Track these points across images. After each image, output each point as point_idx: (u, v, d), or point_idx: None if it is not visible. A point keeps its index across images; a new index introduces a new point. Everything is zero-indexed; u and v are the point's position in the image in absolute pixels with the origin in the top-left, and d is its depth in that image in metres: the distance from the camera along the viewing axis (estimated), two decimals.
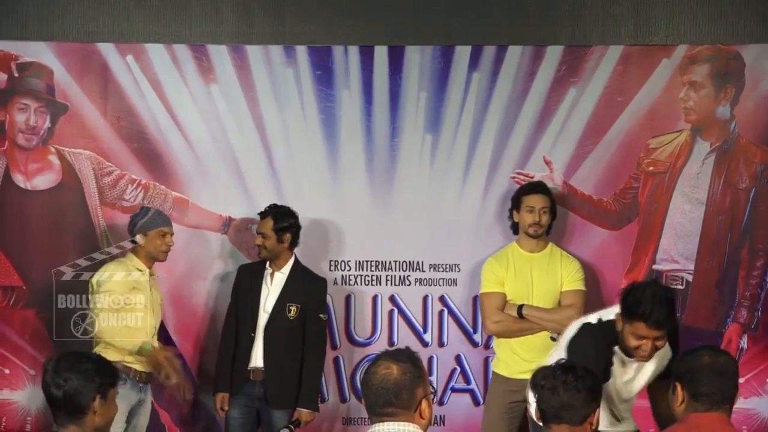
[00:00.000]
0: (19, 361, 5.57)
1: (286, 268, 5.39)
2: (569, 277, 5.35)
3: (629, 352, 3.95)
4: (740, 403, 5.25)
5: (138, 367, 5.08)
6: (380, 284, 5.69)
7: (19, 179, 5.62)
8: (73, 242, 5.55)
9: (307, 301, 5.35)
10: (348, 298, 5.69)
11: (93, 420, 3.12)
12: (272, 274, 5.38)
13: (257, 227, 5.41)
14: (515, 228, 5.43)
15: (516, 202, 5.39)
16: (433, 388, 3.06)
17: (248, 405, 5.32)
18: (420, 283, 5.66)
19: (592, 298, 5.57)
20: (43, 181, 5.64)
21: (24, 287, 5.57)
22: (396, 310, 5.70)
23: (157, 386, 5.30)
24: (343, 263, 5.68)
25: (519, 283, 5.33)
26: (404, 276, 5.69)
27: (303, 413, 5.24)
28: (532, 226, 5.32)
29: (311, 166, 5.69)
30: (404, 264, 5.69)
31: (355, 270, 5.68)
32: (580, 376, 3.10)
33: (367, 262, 5.68)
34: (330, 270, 5.67)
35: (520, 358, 5.25)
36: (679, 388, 3.20)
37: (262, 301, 5.35)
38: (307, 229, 5.64)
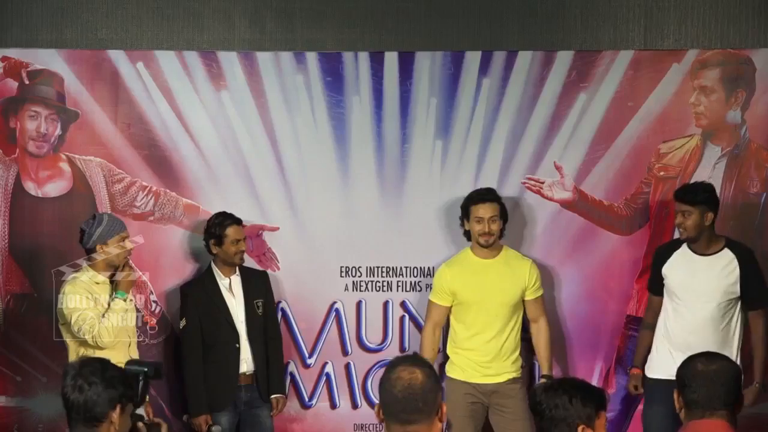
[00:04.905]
0: (31, 369, 5.57)
1: (237, 271, 5.43)
2: (533, 285, 5.38)
3: None
4: None
5: None
6: (391, 290, 5.68)
7: (30, 187, 5.62)
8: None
9: (265, 293, 5.45)
10: (359, 304, 5.69)
11: (108, 431, 3.06)
12: (230, 282, 5.40)
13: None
14: (468, 235, 5.41)
15: (464, 211, 5.37)
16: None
17: (234, 413, 5.36)
18: (430, 288, 5.64)
19: (602, 304, 5.59)
20: (54, 188, 5.64)
21: (35, 295, 5.58)
22: (407, 316, 5.70)
23: None
24: (353, 269, 5.68)
25: (475, 288, 5.31)
26: (415, 282, 5.69)
27: (280, 398, 5.41)
28: (483, 236, 5.30)
29: (322, 173, 5.68)
30: (415, 270, 5.69)
31: (366, 276, 5.68)
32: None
33: (377, 267, 5.68)
34: (341, 276, 5.67)
35: (476, 363, 5.29)
36: (676, 394, 3.24)
37: (233, 310, 5.37)
38: (317, 235, 5.66)
